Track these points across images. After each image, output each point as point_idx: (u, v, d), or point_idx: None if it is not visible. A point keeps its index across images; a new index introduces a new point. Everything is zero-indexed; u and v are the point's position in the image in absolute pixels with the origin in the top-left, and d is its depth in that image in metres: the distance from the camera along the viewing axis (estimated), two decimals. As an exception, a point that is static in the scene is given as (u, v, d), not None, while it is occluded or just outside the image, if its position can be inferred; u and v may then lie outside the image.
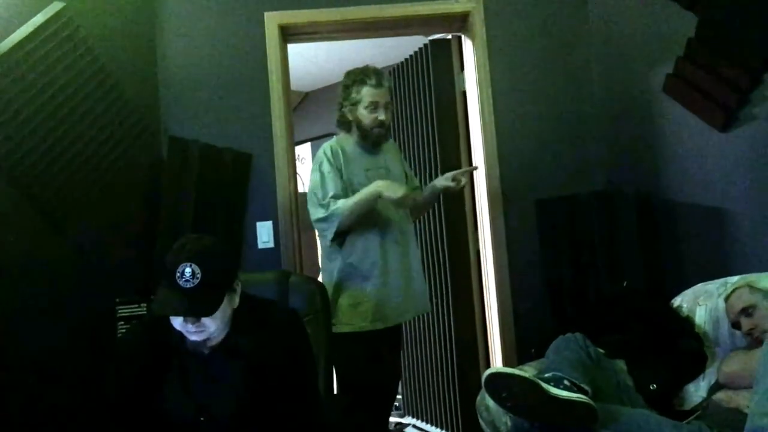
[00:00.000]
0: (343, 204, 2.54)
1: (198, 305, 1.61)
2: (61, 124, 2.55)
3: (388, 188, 2.50)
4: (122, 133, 2.87)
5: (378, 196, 2.52)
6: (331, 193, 2.58)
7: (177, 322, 1.65)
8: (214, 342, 1.72)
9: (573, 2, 3.37)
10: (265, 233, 3.18)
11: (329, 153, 2.67)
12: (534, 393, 1.77)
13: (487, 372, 1.84)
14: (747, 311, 2.09)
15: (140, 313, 2.68)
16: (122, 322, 2.68)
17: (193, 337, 1.67)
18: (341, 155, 2.66)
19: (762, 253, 2.44)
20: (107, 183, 2.75)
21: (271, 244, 3.18)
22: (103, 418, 1.76)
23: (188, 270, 1.60)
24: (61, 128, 2.55)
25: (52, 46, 2.54)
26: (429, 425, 3.83)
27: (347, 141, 2.75)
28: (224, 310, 1.67)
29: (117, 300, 2.68)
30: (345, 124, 2.77)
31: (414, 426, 3.92)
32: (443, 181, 2.75)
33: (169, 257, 1.64)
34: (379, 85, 2.69)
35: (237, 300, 1.73)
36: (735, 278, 2.39)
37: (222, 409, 1.69)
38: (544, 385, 1.78)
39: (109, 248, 2.74)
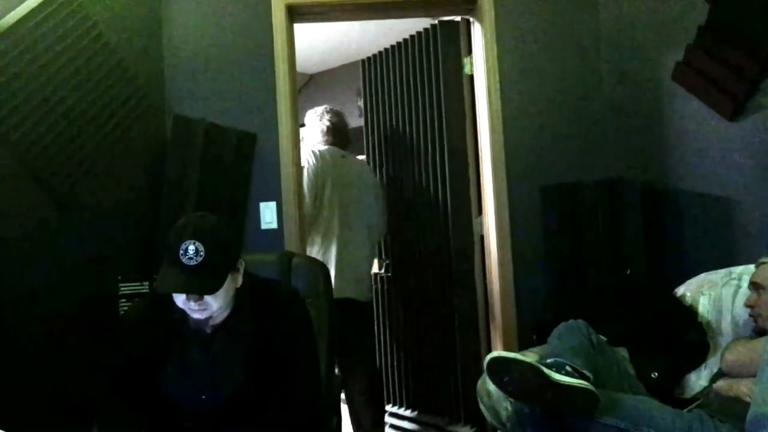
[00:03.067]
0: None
1: (201, 283, 1.60)
2: (64, 100, 2.53)
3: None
4: (127, 111, 2.85)
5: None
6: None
7: (179, 299, 1.65)
8: (216, 321, 1.72)
9: (583, -13, 3.34)
10: (268, 214, 3.18)
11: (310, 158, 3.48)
12: (536, 378, 1.77)
13: (489, 357, 1.84)
14: (758, 287, 2.08)
15: (142, 291, 2.68)
16: (124, 300, 2.69)
17: (196, 315, 1.67)
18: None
19: (768, 243, 2.43)
20: (111, 160, 2.74)
21: (275, 225, 3.17)
22: (103, 395, 1.75)
23: (192, 247, 1.59)
24: (65, 105, 2.54)
25: (55, 22, 2.51)
26: (428, 414, 3.83)
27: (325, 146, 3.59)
28: (227, 289, 1.66)
29: (119, 278, 2.68)
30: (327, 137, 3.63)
31: (411, 418, 3.92)
32: None
33: (172, 234, 1.63)
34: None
35: (240, 279, 1.72)
36: (739, 268, 2.39)
37: (222, 388, 1.69)
38: (546, 371, 1.78)
39: (111, 226, 2.73)
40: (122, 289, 2.70)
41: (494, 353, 1.85)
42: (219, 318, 1.72)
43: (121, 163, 2.80)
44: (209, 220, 1.69)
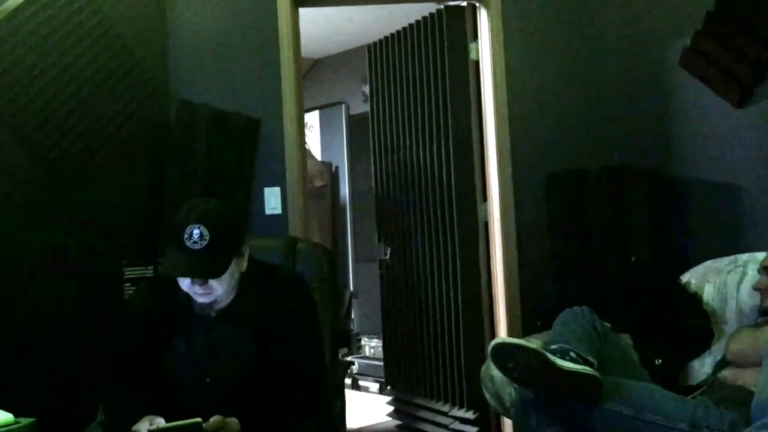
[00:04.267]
0: None
1: (205, 267, 1.60)
2: (69, 84, 2.53)
3: None
4: (131, 95, 2.85)
5: None
6: None
7: (185, 283, 1.65)
8: (221, 305, 1.73)
9: (590, -28, 3.32)
10: (273, 199, 3.17)
11: None
12: (540, 364, 1.77)
13: (494, 342, 1.84)
14: None
15: (147, 275, 2.69)
16: (128, 284, 2.70)
17: (201, 299, 1.67)
18: None
19: (774, 231, 2.42)
20: (115, 144, 2.74)
21: (279, 210, 3.17)
22: (109, 378, 1.76)
23: (197, 231, 1.59)
24: (69, 88, 2.54)
25: (58, 6, 2.51)
26: (431, 400, 3.84)
27: None
28: (232, 274, 1.67)
29: (123, 261, 2.69)
30: None
31: (415, 403, 3.93)
32: None
33: (177, 218, 1.64)
34: None
35: (245, 264, 1.72)
36: (745, 256, 2.38)
37: (227, 371, 1.70)
38: (550, 356, 1.78)
39: (116, 209, 2.74)
40: (126, 273, 2.71)
41: (498, 339, 1.86)
42: (224, 302, 1.72)
43: (126, 147, 2.80)
44: (214, 205, 1.69)
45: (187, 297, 1.70)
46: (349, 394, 3.46)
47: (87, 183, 2.60)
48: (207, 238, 1.59)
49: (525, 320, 3.15)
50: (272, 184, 3.18)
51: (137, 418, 1.57)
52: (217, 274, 1.62)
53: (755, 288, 2.12)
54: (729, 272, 2.37)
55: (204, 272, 1.61)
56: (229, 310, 1.73)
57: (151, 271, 2.69)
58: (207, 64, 3.18)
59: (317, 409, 1.76)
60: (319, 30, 5.07)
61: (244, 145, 3.14)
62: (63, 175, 2.50)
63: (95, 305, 2.59)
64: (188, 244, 1.59)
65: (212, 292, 1.66)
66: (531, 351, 1.78)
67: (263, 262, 1.86)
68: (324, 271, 2.17)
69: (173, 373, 1.72)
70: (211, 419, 1.54)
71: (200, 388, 1.70)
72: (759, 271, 2.14)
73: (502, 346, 1.82)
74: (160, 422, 1.56)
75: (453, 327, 3.65)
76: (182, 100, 3.08)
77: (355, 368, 4.96)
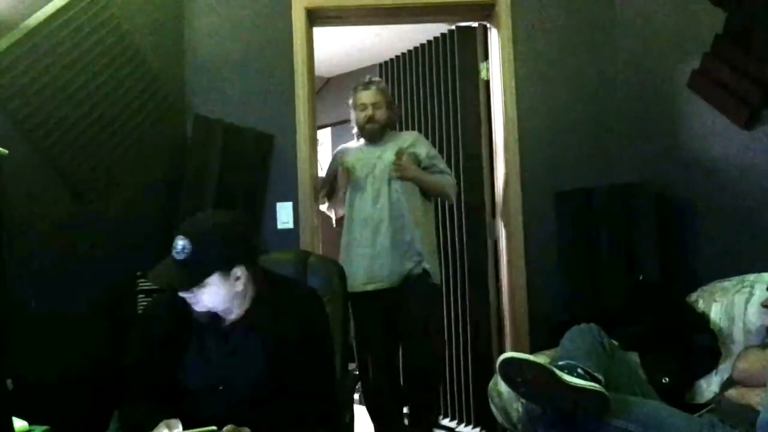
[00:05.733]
0: (332, 201, 3.29)
1: (179, 278, 1.65)
2: (88, 98, 2.58)
3: (339, 182, 3.14)
4: (148, 110, 2.90)
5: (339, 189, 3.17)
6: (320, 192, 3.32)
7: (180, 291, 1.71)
8: (233, 316, 1.76)
9: (600, -6, 3.36)
10: (284, 214, 3.22)
11: (333, 155, 3.39)
12: (547, 379, 1.79)
13: (502, 357, 1.86)
14: None
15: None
16: (142, 296, 2.72)
17: (193, 307, 1.72)
18: (341, 155, 3.24)
19: (781, 252, 2.44)
20: (132, 157, 2.79)
21: (291, 225, 3.22)
22: (125, 386, 1.79)
23: (181, 243, 1.64)
24: (89, 102, 2.58)
25: (81, 22, 2.56)
26: (439, 416, 3.84)
27: (354, 141, 3.32)
28: (217, 290, 1.68)
29: (138, 273, 2.72)
30: (355, 128, 3.28)
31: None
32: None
33: (177, 228, 1.71)
34: (366, 88, 3.20)
35: (241, 285, 1.72)
36: (752, 276, 2.39)
37: (238, 381, 1.73)
38: (558, 372, 1.80)
39: (131, 222, 2.78)
40: (141, 284, 2.73)
41: (507, 354, 1.87)
42: (237, 314, 1.76)
43: (142, 160, 2.84)
44: (208, 219, 1.74)
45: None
46: (357, 409, 3.46)
47: (103, 194, 2.64)
48: (187, 250, 1.63)
49: (533, 337, 3.16)
50: (284, 199, 3.23)
51: (154, 424, 1.61)
52: (184, 287, 1.66)
53: (764, 305, 2.13)
54: (736, 292, 2.37)
55: (173, 282, 1.67)
56: (242, 322, 1.76)
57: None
58: (223, 81, 3.25)
59: (328, 420, 1.78)
60: (333, 49, 5.13)
61: (258, 161, 3.19)
62: (80, 186, 2.54)
63: (110, 315, 2.62)
64: (173, 253, 1.65)
65: (199, 302, 1.69)
66: (539, 366, 1.80)
67: (277, 275, 1.89)
68: (335, 285, 2.20)
69: (186, 382, 1.75)
70: (225, 428, 1.56)
71: (213, 397, 1.73)
72: None
73: (511, 361, 1.84)
74: (177, 425, 1.59)
75: (461, 343, 3.66)
76: (198, 115, 3.14)
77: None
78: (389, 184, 3.06)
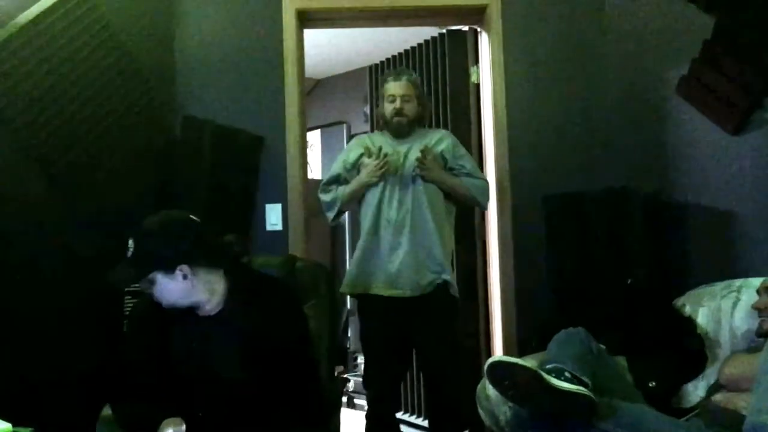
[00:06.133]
0: (341, 191, 2.91)
1: (120, 274, 1.77)
2: (77, 98, 2.57)
3: (365, 174, 2.83)
4: (137, 110, 2.89)
5: (366, 184, 2.84)
6: (327, 177, 2.97)
7: None
8: (207, 311, 1.82)
9: (590, 0, 3.37)
10: (274, 215, 3.21)
11: (352, 143, 3.06)
12: (535, 383, 1.79)
13: (490, 360, 1.86)
14: None
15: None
16: (129, 297, 2.71)
17: (162, 303, 1.78)
18: (365, 144, 2.93)
19: (768, 257, 2.45)
20: (120, 158, 2.78)
21: (280, 227, 3.21)
22: (116, 386, 1.82)
23: (130, 242, 1.74)
24: (76, 103, 2.57)
25: (69, 22, 2.55)
26: (426, 419, 3.84)
27: (379, 134, 3.03)
28: (166, 287, 1.74)
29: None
30: (380, 121, 3.02)
31: (411, 423, 3.93)
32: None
33: None
34: (396, 78, 2.92)
35: (189, 283, 1.76)
36: (739, 281, 2.41)
37: (210, 376, 1.77)
38: (546, 376, 1.80)
39: (118, 223, 2.75)
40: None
41: (495, 357, 1.88)
42: (210, 308, 1.81)
43: (130, 161, 2.83)
44: (154, 220, 1.78)
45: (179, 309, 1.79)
46: (345, 412, 3.45)
47: (91, 196, 2.62)
48: (132, 249, 1.73)
49: (521, 340, 3.17)
50: (274, 201, 3.22)
51: (153, 423, 1.65)
52: (126, 283, 1.91)
53: (754, 307, 2.13)
54: (723, 297, 2.39)
55: (120, 279, 1.83)
56: (217, 317, 1.82)
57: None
58: (213, 81, 3.24)
59: (313, 421, 1.79)
60: (323, 51, 5.13)
61: (248, 162, 3.18)
62: (68, 188, 2.52)
63: (95, 316, 2.60)
64: (127, 250, 1.74)
65: (159, 298, 1.77)
66: (526, 370, 1.80)
67: (255, 272, 1.95)
68: (321, 289, 2.21)
69: (170, 377, 1.79)
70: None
71: (189, 391, 1.77)
72: (760, 291, 2.15)
73: (499, 365, 1.85)
74: (180, 423, 1.64)
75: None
76: (187, 116, 3.13)
77: (350, 386, 4.95)
78: (414, 184, 2.83)
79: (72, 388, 2.39)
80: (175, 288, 1.74)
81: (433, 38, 3.79)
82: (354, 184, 2.87)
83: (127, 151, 2.81)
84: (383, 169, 2.80)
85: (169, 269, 1.73)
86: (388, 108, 2.91)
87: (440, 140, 2.94)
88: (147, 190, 2.96)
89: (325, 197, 2.94)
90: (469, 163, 2.96)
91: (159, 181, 3.01)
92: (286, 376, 1.78)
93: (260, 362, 1.75)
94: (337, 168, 2.97)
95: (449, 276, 2.84)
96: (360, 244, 2.87)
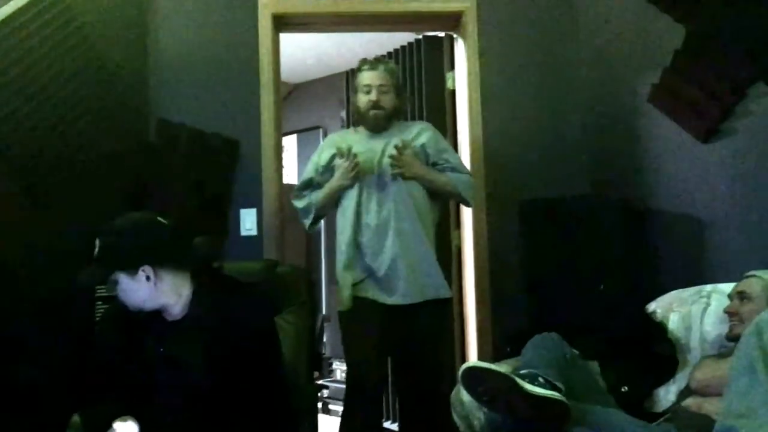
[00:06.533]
0: (315, 197, 2.73)
1: (89, 274, 1.79)
2: (47, 101, 2.53)
3: (337, 177, 2.65)
4: (110, 113, 2.86)
5: (339, 188, 2.66)
6: (300, 182, 2.82)
7: None
8: (174, 315, 1.80)
9: (565, 9, 3.41)
10: (248, 220, 3.19)
11: (323, 142, 2.86)
12: (509, 388, 1.80)
13: (464, 366, 1.87)
14: (743, 296, 2.12)
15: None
16: (100, 303, 2.68)
17: (128, 306, 1.78)
18: (337, 143, 2.73)
19: (738, 263, 2.48)
20: (93, 162, 2.74)
21: (255, 232, 3.19)
22: (86, 391, 1.80)
23: (97, 242, 1.76)
24: (48, 104, 2.54)
25: (40, 23, 2.52)
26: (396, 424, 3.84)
27: (353, 130, 2.87)
28: (130, 289, 1.74)
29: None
30: (355, 115, 2.83)
31: (385, 428, 3.92)
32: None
33: None
34: (372, 67, 2.72)
35: (152, 285, 1.75)
36: (709, 287, 2.44)
37: (175, 382, 1.75)
38: (519, 381, 1.81)
39: (91, 227, 2.72)
40: (99, 291, 2.68)
41: (469, 363, 1.88)
42: (176, 312, 1.80)
43: (103, 164, 2.79)
44: (122, 222, 1.79)
45: (147, 312, 1.78)
46: (320, 418, 3.43)
47: (63, 200, 2.58)
48: (97, 249, 1.75)
49: (496, 345, 3.18)
50: (248, 206, 3.20)
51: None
52: (91, 282, 1.90)
53: (726, 311, 2.16)
54: (693, 302, 2.42)
55: (85, 279, 1.80)
56: (182, 322, 1.80)
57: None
58: (188, 85, 3.22)
59: (276, 426, 1.79)
60: (299, 55, 5.12)
61: (223, 166, 3.15)
62: (39, 193, 2.49)
63: (67, 321, 2.56)
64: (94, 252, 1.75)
65: (125, 300, 1.77)
66: (500, 375, 1.81)
67: (225, 276, 1.91)
68: (303, 294, 2.20)
69: (138, 382, 1.78)
70: None
71: (155, 396, 1.76)
72: (732, 296, 2.18)
73: (473, 370, 1.85)
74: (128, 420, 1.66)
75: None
76: (161, 120, 3.10)
77: (326, 392, 4.93)
78: (394, 183, 2.63)
79: (42, 396, 2.35)
80: (138, 289, 1.74)
81: (410, 44, 3.80)
82: (326, 189, 2.70)
83: (99, 155, 2.77)
84: (355, 171, 2.61)
85: (131, 269, 1.73)
86: (364, 100, 2.71)
87: (420, 133, 2.76)
88: (120, 194, 2.93)
89: (299, 204, 2.78)
90: (453, 157, 2.80)
91: (132, 184, 2.97)
92: (251, 384, 1.75)
93: (223, 369, 1.73)
94: (309, 172, 2.80)
95: (449, 292, 2.71)
96: (340, 258, 2.67)
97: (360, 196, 2.66)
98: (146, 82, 3.17)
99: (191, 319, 1.79)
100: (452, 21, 3.42)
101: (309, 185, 2.78)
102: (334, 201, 2.72)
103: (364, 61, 2.78)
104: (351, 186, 2.65)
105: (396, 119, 2.79)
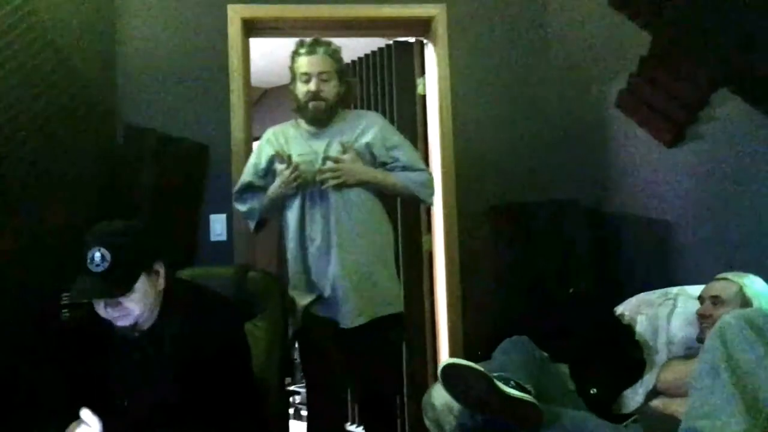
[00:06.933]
0: (259, 203, 2.55)
1: (111, 286, 1.62)
2: (12, 106, 2.49)
3: (277, 186, 2.44)
4: (77, 119, 2.81)
5: (281, 196, 2.46)
6: (240, 185, 2.60)
7: (100, 309, 1.67)
8: (143, 327, 1.73)
9: (534, 16, 3.45)
10: (218, 226, 3.16)
11: (262, 140, 2.60)
12: (486, 387, 1.80)
13: (445, 362, 1.86)
14: (717, 300, 2.14)
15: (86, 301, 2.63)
16: (66, 310, 2.63)
17: (120, 323, 1.69)
18: (278, 141, 2.53)
19: (703, 265, 2.53)
20: (60, 168, 2.69)
21: (224, 237, 3.17)
22: (48, 405, 1.75)
23: (98, 254, 1.62)
24: (13, 110, 2.49)
25: (5, 27, 2.47)
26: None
27: (292, 124, 2.59)
28: (145, 292, 1.68)
29: (62, 286, 2.62)
30: (293, 105, 2.56)
31: None
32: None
33: (83, 245, 1.66)
34: (310, 51, 2.46)
35: (162, 282, 1.73)
36: (675, 289, 2.48)
37: (144, 395, 1.70)
38: (497, 382, 1.82)
39: (60, 235, 2.68)
40: (64, 299, 2.63)
41: (450, 359, 1.88)
42: (146, 324, 1.73)
43: (70, 170, 2.75)
44: (115, 226, 1.72)
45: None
46: (292, 424, 3.41)
47: (29, 207, 2.54)
48: (108, 258, 1.62)
49: (467, 348, 3.19)
50: (218, 211, 3.17)
51: None
52: (122, 292, 1.63)
53: (698, 314, 2.18)
54: (660, 305, 2.45)
55: (109, 292, 1.63)
56: (150, 332, 1.74)
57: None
58: (156, 90, 3.18)
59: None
60: (270, 60, 5.08)
61: (192, 171, 3.12)
62: (4, 198, 2.44)
63: (31, 329, 2.51)
64: (91, 267, 1.62)
65: (129, 314, 1.67)
66: (480, 374, 1.82)
67: (192, 283, 1.88)
68: (274, 300, 2.18)
69: (105, 396, 1.72)
70: None
71: (120, 412, 1.71)
72: (703, 298, 2.20)
73: (453, 367, 1.85)
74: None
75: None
76: (128, 125, 3.06)
77: (297, 398, 4.90)
78: (338, 191, 2.40)
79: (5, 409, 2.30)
80: (151, 291, 1.69)
81: (380, 49, 3.81)
82: (269, 196, 2.50)
83: (66, 161, 2.73)
84: (296, 182, 2.39)
85: (149, 269, 1.69)
86: (302, 90, 2.45)
87: (366, 130, 2.49)
88: (87, 200, 2.88)
89: (241, 207, 2.60)
90: (405, 154, 2.51)
91: (100, 190, 2.93)
92: (220, 395, 1.71)
93: (191, 380, 1.68)
94: (248, 174, 2.57)
95: (400, 307, 2.53)
96: (290, 273, 2.51)
97: (303, 207, 2.46)
98: (114, 87, 3.13)
99: (160, 328, 1.74)
100: (423, 26, 3.43)
101: (249, 189, 2.58)
102: (278, 207, 2.54)
103: (300, 44, 2.50)
104: (294, 195, 2.45)
105: (341, 108, 2.53)
